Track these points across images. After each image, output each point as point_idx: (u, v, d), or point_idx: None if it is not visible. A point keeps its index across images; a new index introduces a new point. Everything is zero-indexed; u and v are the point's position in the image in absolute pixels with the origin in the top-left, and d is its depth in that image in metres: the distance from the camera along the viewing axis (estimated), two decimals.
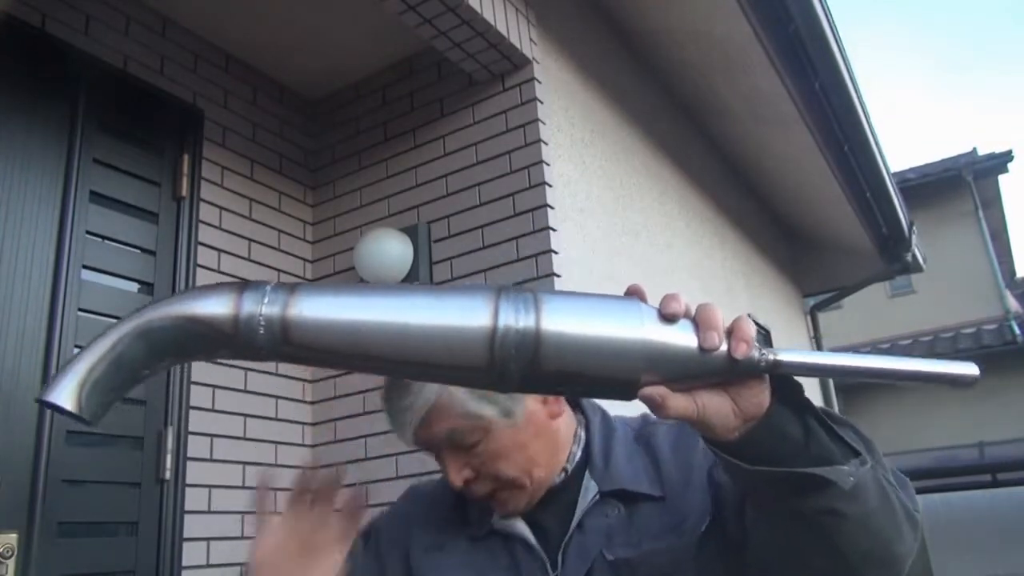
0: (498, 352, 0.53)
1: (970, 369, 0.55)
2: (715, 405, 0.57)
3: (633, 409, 0.71)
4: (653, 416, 0.95)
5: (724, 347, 0.55)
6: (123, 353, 0.54)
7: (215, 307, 0.55)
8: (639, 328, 0.55)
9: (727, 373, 0.56)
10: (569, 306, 0.55)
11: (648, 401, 0.55)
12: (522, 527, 0.89)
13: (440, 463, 0.89)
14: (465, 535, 0.92)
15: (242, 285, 0.56)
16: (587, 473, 0.89)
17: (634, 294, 0.58)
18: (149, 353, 0.55)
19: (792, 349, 0.57)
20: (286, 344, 0.54)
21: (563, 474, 0.90)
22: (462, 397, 0.86)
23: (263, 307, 0.54)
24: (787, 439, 0.60)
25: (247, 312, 0.54)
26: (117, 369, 0.54)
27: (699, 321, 0.55)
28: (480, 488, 0.87)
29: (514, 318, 0.53)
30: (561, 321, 0.54)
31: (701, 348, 0.54)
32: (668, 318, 0.55)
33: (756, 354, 0.55)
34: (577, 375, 0.55)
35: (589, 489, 0.88)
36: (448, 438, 0.86)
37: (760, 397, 0.58)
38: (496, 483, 0.87)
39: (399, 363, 0.56)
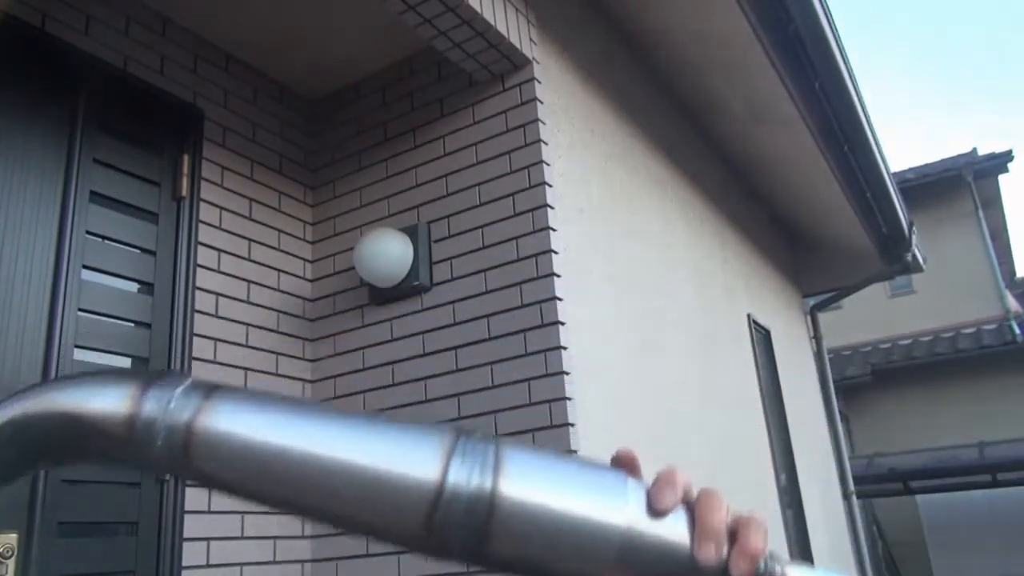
0: (439, 518, 0.42)
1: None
2: None
3: None
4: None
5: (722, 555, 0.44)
6: None
7: (108, 403, 0.44)
8: (620, 511, 0.44)
9: None
10: (536, 468, 0.45)
11: None
12: None
13: None
14: None
15: (149, 377, 0.46)
16: None
17: (623, 463, 0.47)
18: (18, 457, 0.46)
19: (800, 565, 0.46)
20: (185, 461, 0.44)
21: None
22: None
23: (168, 411, 0.44)
24: None
25: (148, 415, 0.44)
26: None
27: (697, 521, 0.44)
28: None
29: (467, 476, 0.43)
30: (524, 487, 0.43)
31: (693, 557, 0.43)
32: (657, 512, 0.44)
33: (761, 566, 0.44)
34: (530, 559, 0.44)
35: None
36: None
37: None
38: None
39: (316, 510, 0.45)
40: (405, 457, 0.43)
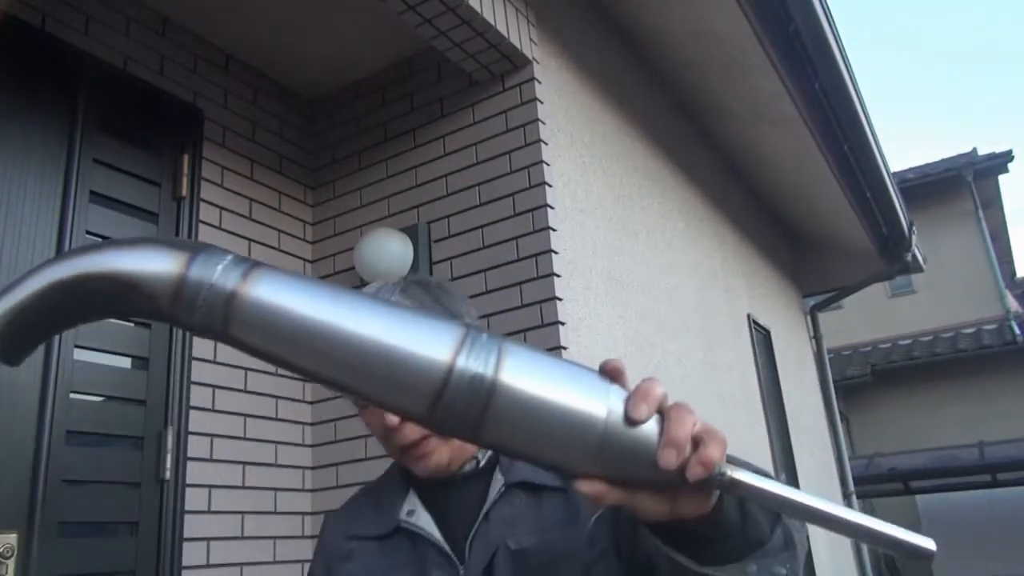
0: (446, 396, 0.47)
1: (928, 544, 0.48)
2: (651, 504, 0.52)
3: None
4: None
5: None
6: (43, 304, 0.49)
7: (158, 265, 0.48)
8: (600, 414, 0.48)
9: (676, 485, 0.49)
10: (533, 364, 0.49)
11: (583, 496, 0.50)
12: (427, 521, 0.89)
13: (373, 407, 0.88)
14: (373, 537, 0.93)
15: (196, 247, 0.50)
16: (496, 469, 0.90)
17: (610, 373, 0.52)
18: (72, 308, 0.50)
19: (751, 470, 0.51)
20: (226, 322, 0.48)
21: (475, 463, 0.91)
22: None
23: (215, 276, 0.48)
24: (722, 524, 0.56)
25: (195, 278, 0.48)
26: (36, 319, 0.50)
27: (664, 430, 0.49)
28: (411, 432, 0.87)
29: (473, 362, 0.48)
30: (520, 378, 0.48)
31: (655, 463, 0.48)
32: (632, 422, 0.48)
33: (714, 471, 0.49)
34: (519, 443, 0.49)
35: (496, 482, 0.89)
36: None
37: (704, 505, 0.53)
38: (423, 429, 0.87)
39: (340, 380, 0.50)
40: (424, 341, 0.48)
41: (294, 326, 0.48)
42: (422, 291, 0.94)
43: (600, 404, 0.49)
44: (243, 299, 0.48)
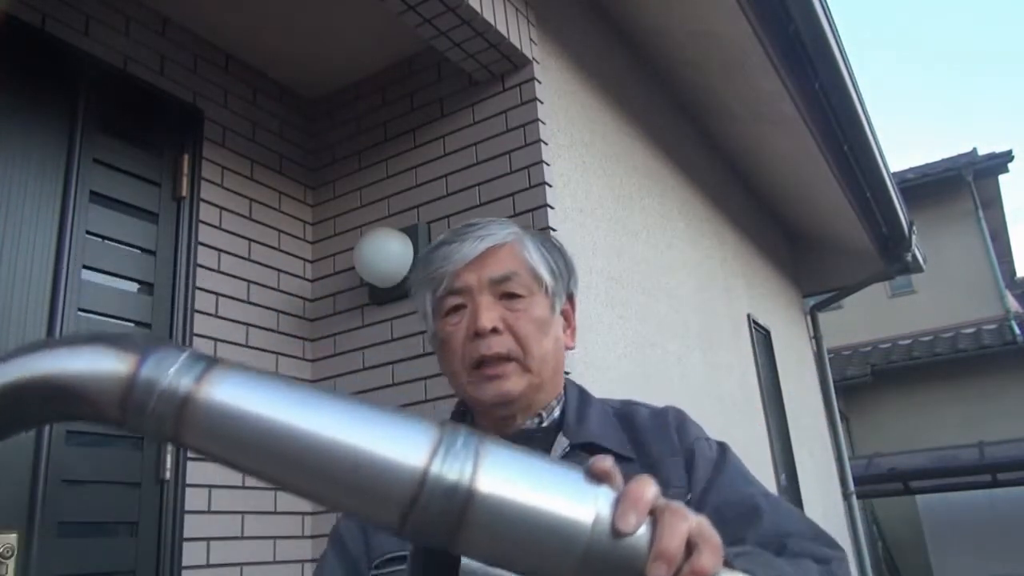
0: (420, 504, 0.44)
1: None
2: None
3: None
4: (636, 400, 0.99)
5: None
6: None
7: (103, 366, 0.44)
8: (587, 519, 0.45)
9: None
10: (514, 469, 0.46)
11: None
12: None
13: (471, 308, 0.89)
14: None
15: (147, 346, 0.46)
16: (560, 434, 0.89)
17: (598, 475, 0.48)
18: (10, 420, 0.46)
19: (746, 567, 0.48)
20: (178, 428, 0.44)
21: (538, 420, 0.91)
22: (531, 249, 0.93)
23: (168, 378, 0.44)
24: None
25: (144, 381, 0.44)
26: None
27: (656, 541, 0.46)
28: (497, 344, 0.87)
29: (449, 467, 0.44)
30: (500, 484, 0.45)
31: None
32: (619, 534, 0.45)
33: None
34: (499, 552, 0.46)
35: (559, 444, 0.88)
36: (500, 280, 0.89)
37: None
38: (514, 347, 0.88)
39: (306, 488, 0.46)
40: (394, 445, 0.45)
41: (253, 432, 0.45)
42: (541, 240, 0.96)
43: (586, 511, 0.45)
44: (197, 403, 0.44)
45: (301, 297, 2.57)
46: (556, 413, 0.92)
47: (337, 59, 2.62)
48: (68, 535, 1.79)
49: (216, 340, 2.23)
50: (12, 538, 1.67)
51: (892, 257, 5.24)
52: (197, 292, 2.20)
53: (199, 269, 2.23)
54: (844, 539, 5.12)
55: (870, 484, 7.77)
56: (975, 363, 9.24)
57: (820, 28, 3.11)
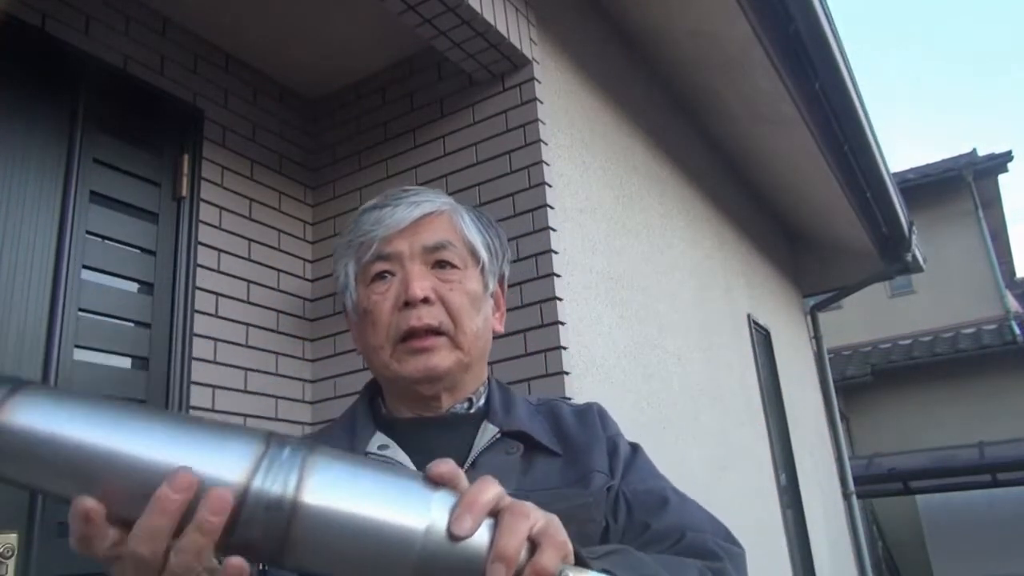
0: (241, 522, 0.43)
1: None
2: None
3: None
4: (555, 396, 0.98)
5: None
6: None
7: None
8: (420, 526, 0.44)
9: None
10: (342, 480, 0.45)
11: None
12: (402, 456, 0.80)
13: (401, 276, 0.83)
14: None
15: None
16: (485, 421, 0.84)
17: (437, 479, 0.47)
18: None
19: (601, 566, 0.48)
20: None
21: (467, 405, 0.86)
22: (467, 222, 0.88)
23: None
24: None
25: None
26: None
27: (495, 543, 0.45)
28: (428, 315, 0.81)
29: (271, 482, 0.43)
30: (327, 496, 0.43)
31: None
32: (454, 538, 0.44)
33: None
34: (328, 568, 0.44)
35: (487, 431, 0.83)
36: (434, 248, 0.84)
37: None
38: (445, 320, 0.82)
39: (117, 499, 0.45)
40: (212, 461, 0.43)
41: (61, 451, 0.43)
42: (469, 211, 0.91)
43: (419, 518, 0.44)
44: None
45: (301, 297, 2.57)
46: (482, 401, 0.88)
47: (337, 59, 2.62)
48: (68, 535, 1.78)
49: (216, 340, 2.23)
50: (12, 538, 1.66)
51: (892, 257, 5.25)
52: (197, 292, 2.20)
53: (199, 269, 2.23)
54: (844, 539, 5.12)
55: (870, 484, 7.77)
56: (975, 363, 9.24)
57: (820, 28, 3.11)
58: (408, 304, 0.81)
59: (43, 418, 0.44)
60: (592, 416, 0.91)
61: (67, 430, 0.43)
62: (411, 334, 0.81)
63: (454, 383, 0.84)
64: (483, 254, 0.88)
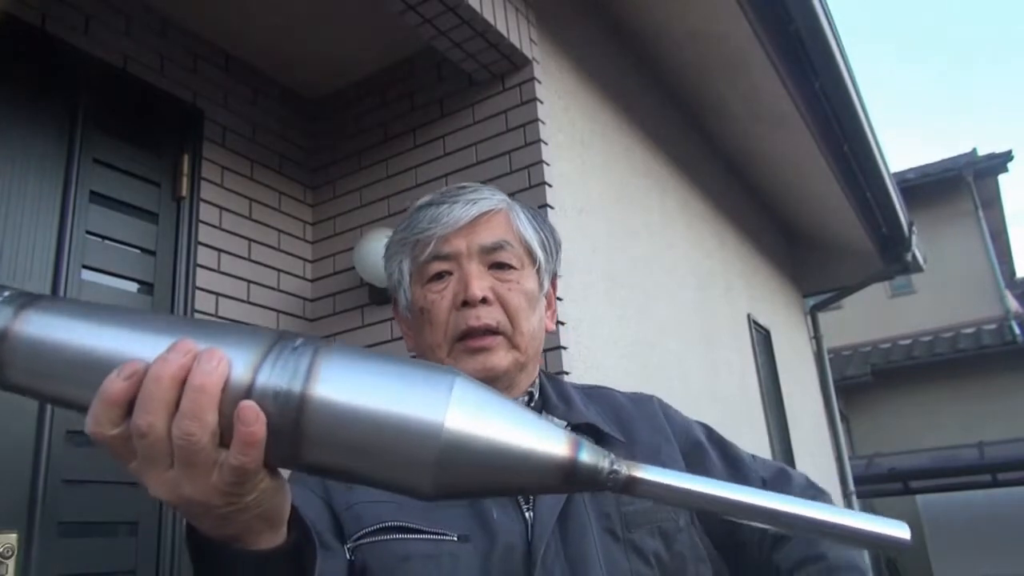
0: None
1: (901, 531, 0.42)
2: None
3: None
4: (602, 385, 0.98)
5: (563, 450, 0.43)
6: None
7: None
8: (439, 416, 0.41)
9: (563, 487, 0.44)
10: (354, 371, 0.42)
11: None
12: None
13: (460, 275, 0.82)
14: None
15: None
16: (544, 413, 0.84)
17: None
18: None
19: (657, 468, 0.45)
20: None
21: (527, 398, 0.86)
22: (524, 221, 0.87)
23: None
24: None
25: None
26: None
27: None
28: (487, 315, 0.80)
29: (277, 378, 0.41)
30: (338, 389, 0.41)
31: (528, 454, 0.42)
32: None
33: (606, 465, 0.43)
34: (346, 463, 0.42)
35: (555, 421, 0.84)
36: (492, 248, 0.83)
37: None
38: (503, 320, 0.81)
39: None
40: (225, 351, 0.42)
41: (67, 359, 0.43)
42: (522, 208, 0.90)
43: (440, 408, 0.41)
44: (12, 338, 0.43)
45: (301, 297, 2.57)
46: (537, 395, 0.88)
47: (337, 59, 2.62)
48: (68, 535, 1.79)
49: None
50: (12, 538, 1.66)
51: (892, 257, 5.24)
52: (197, 292, 2.20)
53: (199, 269, 2.23)
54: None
55: (870, 484, 7.77)
56: (975, 363, 9.24)
57: (820, 28, 3.11)
58: (467, 304, 0.80)
59: (55, 327, 0.43)
60: (653, 410, 0.91)
61: (78, 337, 0.43)
62: (469, 334, 0.80)
63: (511, 382, 0.84)
64: (539, 253, 0.88)
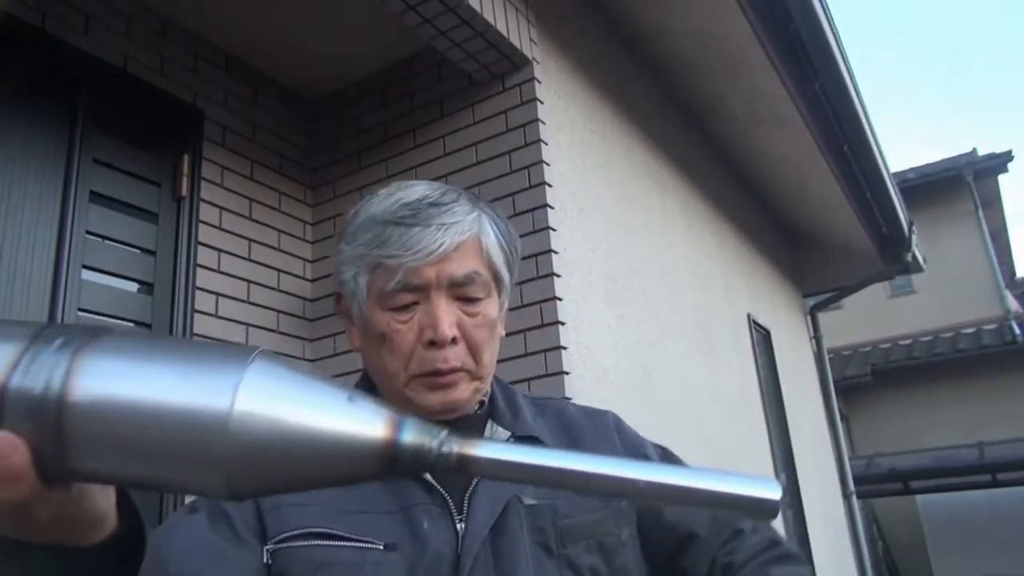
0: (7, 427, 0.35)
1: (771, 492, 0.36)
2: None
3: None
4: (555, 396, 0.96)
5: (380, 431, 0.38)
6: None
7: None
8: (225, 404, 0.35)
9: (386, 473, 0.39)
10: (123, 363, 0.37)
11: None
12: None
13: (428, 309, 0.79)
14: None
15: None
16: (490, 421, 0.83)
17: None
18: None
19: (494, 443, 0.41)
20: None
21: (477, 406, 0.84)
22: (492, 241, 0.83)
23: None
24: None
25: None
26: None
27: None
28: (454, 357, 0.78)
29: (32, 380, 0.35)
30: (105, 386, 0.36)
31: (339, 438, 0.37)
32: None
33: (434, 445, 0.39)
34: (124, 469, 0.37)
35: (496, 434, 0.81)
36: (462, 281, 0.79)
37: None
38: (467, 359, 0.79)
39: None
40: None
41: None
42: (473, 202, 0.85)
43: (226, 394, 0.36)
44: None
45: (301, 297, 2.57)
46: (486, 401, 0.86)
47: (337, 59, 2.62)
48: None
49: (216, 340, 2.23)
50: None
51: (892, 257, 5.24)
52: (197, 292, 2.20)
53: (199, 269, 2.23)
54: (844, 539, 5.12)
55: (870, 484, 7.77)
56: (975, 363, 9.24)
57: (820, 28, 3.12)
58: (434, 343, 0.77)
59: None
60: (606, 422, 0.90)
61: None
62: (435, 374, 0.79)
63: (468, 407, 0.83)
64: (505, 276, 0.85)
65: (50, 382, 0.35)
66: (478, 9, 2.07)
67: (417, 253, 0.77)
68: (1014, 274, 12.19)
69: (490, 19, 2.13)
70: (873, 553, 7.65)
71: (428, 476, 0.75)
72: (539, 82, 2.32)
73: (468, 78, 2.40)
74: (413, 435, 0.38)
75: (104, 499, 0.43)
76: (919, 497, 8.63)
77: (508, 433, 0.81)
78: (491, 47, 2.23)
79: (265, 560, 0.71)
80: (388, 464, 0.38)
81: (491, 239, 0.83)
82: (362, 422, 0.38)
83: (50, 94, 1.99)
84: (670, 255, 3.16)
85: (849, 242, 5.20)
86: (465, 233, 0.80)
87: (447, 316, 0.78)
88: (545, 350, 2.07)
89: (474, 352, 0.80)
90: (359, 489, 0.73)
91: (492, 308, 0.83)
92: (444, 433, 0.39)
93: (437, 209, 0.80)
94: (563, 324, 2.09)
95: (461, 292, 0.80)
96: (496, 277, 0.84)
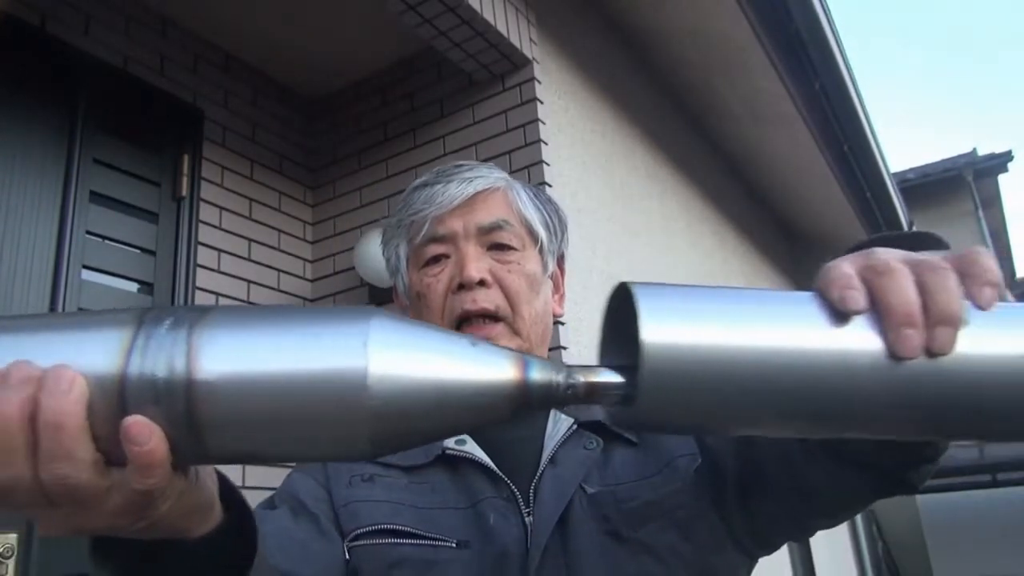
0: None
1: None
2: None
3: None
4: None
5: (510, 372, 0.38)
6: None
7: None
8: (360, 363, 0.35)
9: (519, 413, 0.39)
10: (245, 338, 0.36)
11: None
12: (480, 452, 0.73)
13: (456, 257, 0.77)
14: (402, 468, 0.74)
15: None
16: (553, 408, 0.77)
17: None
18: None
19: (610, 370, 0.41)
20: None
21: None
22: (524, 199, 0.82)
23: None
24: None
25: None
26: None
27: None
28: (484, 299, 0.75)
29: (150, 364, 0.34)
30: (229, 363, 0.35)
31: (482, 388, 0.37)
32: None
33: (561, 379, 0.40)
34: (265, 443, 0.36)
35: (560, 421, 0.77)
36: (490, 228, 0.78)
37: None
38: (502, 304, 0.76)
39: None
40: (70, 350, 0.35)
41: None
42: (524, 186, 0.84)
43: (358, 354, 0.35)
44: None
45: (301, 297, 2.57)
46: None
47: (337, 59, 2.62)
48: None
49: None
50: (12, 538, 1.66)
51: None
52: (197, 292, 2.20)
53: (199, 269, 2.23)
54: (844, 539, 5.12)
55: None
56: None
57: (820, 28, 3.12)
58: (463, 287, 0.75)
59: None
60: None
61: None
62: (466, 318, 0.76)
63: None
64: (541, 233, 0.82)
65: (172, 364, 0.34)
66: (478, 9, 2.07)
67: (441, 203, 0.77)
68: (1014, 274, 12.18)
69: (490, 19, 2.13)
70: (873, 553, 7.65)
71: (494, 467, 0.72)
72: (539, 82, 2.32)
73: (468, 78, 2.40)
74: (540, 372, 0.39)
75: (213, 483, 0.42)
76: (919, 497, 8.62)
77: (571, 420, 0.77)
78: (491, 47, 2.23)
79: (345, 556, 0.70)
80: (522, 402, 0.38)
81: (522, 197, 0.82)
82: (491, 364, 0.38)
83: (50, 94, 1.99)
84: (670, 255, 3.16)
85: (849, 242, 5.17)
86: (490, 185, 0.80)
87: (474, 260, 0.76)
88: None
89: (510, 299, 0.77)
90: (429, 484, 0.72)
91: (530, 262, 0.80)
92: (566, 367, 0.39)
93: (462, 168, 0.81)
94: (563, 324, 2.09)
95: (491, 239, 0.78)
96: (531, 231, 0.81)
